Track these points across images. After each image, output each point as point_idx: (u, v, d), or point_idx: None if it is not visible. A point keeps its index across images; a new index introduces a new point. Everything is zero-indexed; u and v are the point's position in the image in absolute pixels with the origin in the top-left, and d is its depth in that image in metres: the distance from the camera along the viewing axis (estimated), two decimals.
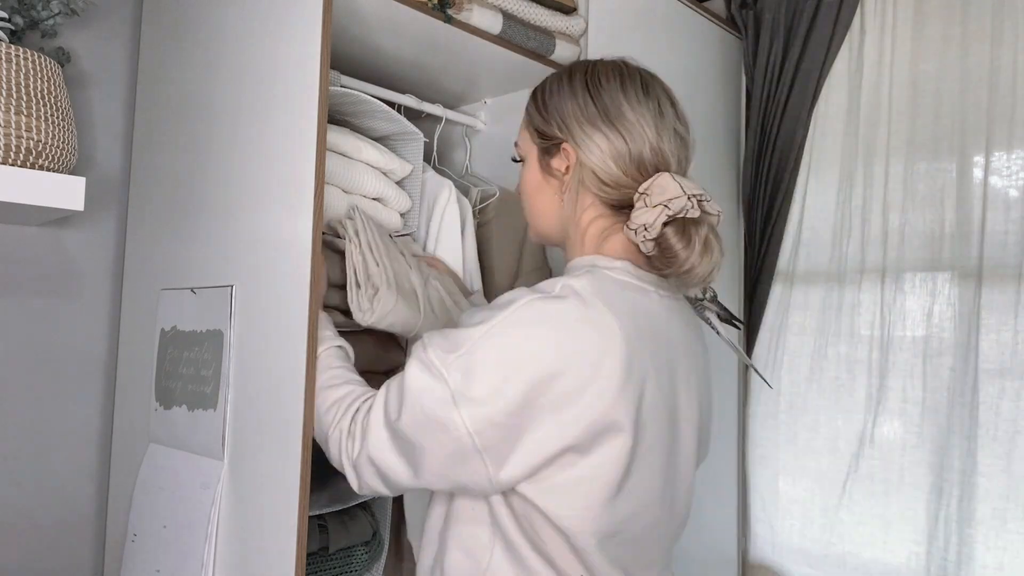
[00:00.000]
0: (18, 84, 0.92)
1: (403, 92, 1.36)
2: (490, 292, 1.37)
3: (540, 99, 0.96)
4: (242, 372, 1.01)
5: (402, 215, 1.28)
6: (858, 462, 1.65)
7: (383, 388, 0.86)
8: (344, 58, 1.28)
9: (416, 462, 0.82)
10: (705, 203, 0.86)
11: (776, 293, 1.80)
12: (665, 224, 0.83)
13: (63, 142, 0.96)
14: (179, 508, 1.06)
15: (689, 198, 0.84)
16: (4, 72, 0.91)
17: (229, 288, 1.03)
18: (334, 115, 1.22)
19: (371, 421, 0.84)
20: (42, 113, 0.93)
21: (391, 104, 1.29)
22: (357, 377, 0.95)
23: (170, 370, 1.13)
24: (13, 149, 0.90)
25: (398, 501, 1.32)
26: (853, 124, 1.70)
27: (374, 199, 1.22)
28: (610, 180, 0.88)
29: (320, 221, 0.93)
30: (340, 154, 1.16)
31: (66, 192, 0.94)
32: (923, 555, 1.56)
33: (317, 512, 1.10)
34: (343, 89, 1.15)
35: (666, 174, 0.86)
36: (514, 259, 1.42)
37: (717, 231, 0.87)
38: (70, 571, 1.27)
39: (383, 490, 0.87)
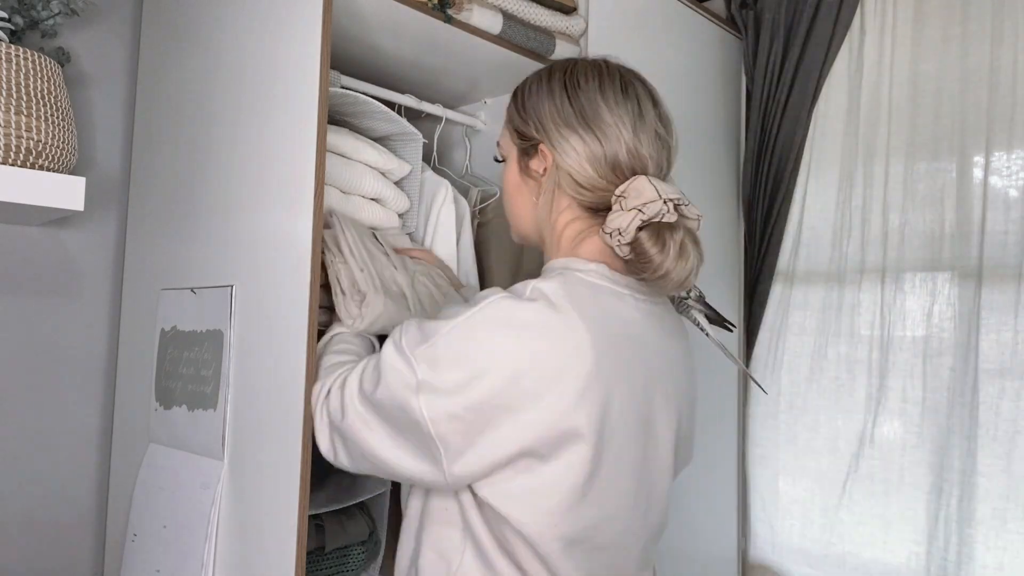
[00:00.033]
0: (18, 84, 0.92)
1: (403, 92, 1.36)
2: None
3: (520, 99, 0.94)
4: (242, 372, 1.01)
5: (400, 215, 1.29)
6: (858, 462, 1.65)
7: (363, 362, 0.87)
8: (344, 58, 1.28)
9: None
10: (683, 207, 0.84)
11: (776, 293, 1.80)
12: (640, 228, 0.82)
13: (63, 142, 0.96)
14: (179, 508, 1.06)
15: (665, 202, 0.82)
16: (4, 72, 0.91)
17: (229, 288, 1.04)
18: (333, 115, 1.22)
19: (347, 390, 0.86)
20: (42, 113, 0.94)
21: (391, 104, 1.29)
22: (359, 352, 0.98)
23: (170, 370, 1.13)
24: (13, 149, 0.90)
25: (396, 502, 1.31)
26: (853, 124, 1.70)
27: (372, 199, 1.22)
28: (586, 183, 0.87)
29: (320, 221, 0.93)
30: (338, 154, 1.16)
31: (66, 192, 0.94)
32: (923, 555, 1.56)
33: (315, 511, 1.10)
34: (343, 90, 1.15)
35: (643, 177, 0.84)
36: (514, 259, 1.42)
37: (696, 235, 0.85)
38: (70, 571, 1.27)
39: (343, 452, 0.88)
